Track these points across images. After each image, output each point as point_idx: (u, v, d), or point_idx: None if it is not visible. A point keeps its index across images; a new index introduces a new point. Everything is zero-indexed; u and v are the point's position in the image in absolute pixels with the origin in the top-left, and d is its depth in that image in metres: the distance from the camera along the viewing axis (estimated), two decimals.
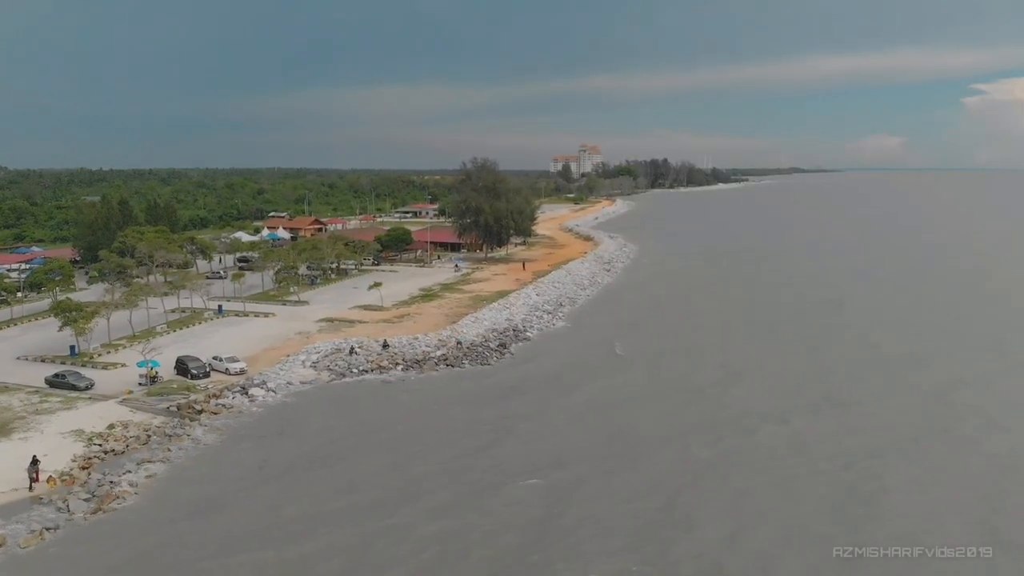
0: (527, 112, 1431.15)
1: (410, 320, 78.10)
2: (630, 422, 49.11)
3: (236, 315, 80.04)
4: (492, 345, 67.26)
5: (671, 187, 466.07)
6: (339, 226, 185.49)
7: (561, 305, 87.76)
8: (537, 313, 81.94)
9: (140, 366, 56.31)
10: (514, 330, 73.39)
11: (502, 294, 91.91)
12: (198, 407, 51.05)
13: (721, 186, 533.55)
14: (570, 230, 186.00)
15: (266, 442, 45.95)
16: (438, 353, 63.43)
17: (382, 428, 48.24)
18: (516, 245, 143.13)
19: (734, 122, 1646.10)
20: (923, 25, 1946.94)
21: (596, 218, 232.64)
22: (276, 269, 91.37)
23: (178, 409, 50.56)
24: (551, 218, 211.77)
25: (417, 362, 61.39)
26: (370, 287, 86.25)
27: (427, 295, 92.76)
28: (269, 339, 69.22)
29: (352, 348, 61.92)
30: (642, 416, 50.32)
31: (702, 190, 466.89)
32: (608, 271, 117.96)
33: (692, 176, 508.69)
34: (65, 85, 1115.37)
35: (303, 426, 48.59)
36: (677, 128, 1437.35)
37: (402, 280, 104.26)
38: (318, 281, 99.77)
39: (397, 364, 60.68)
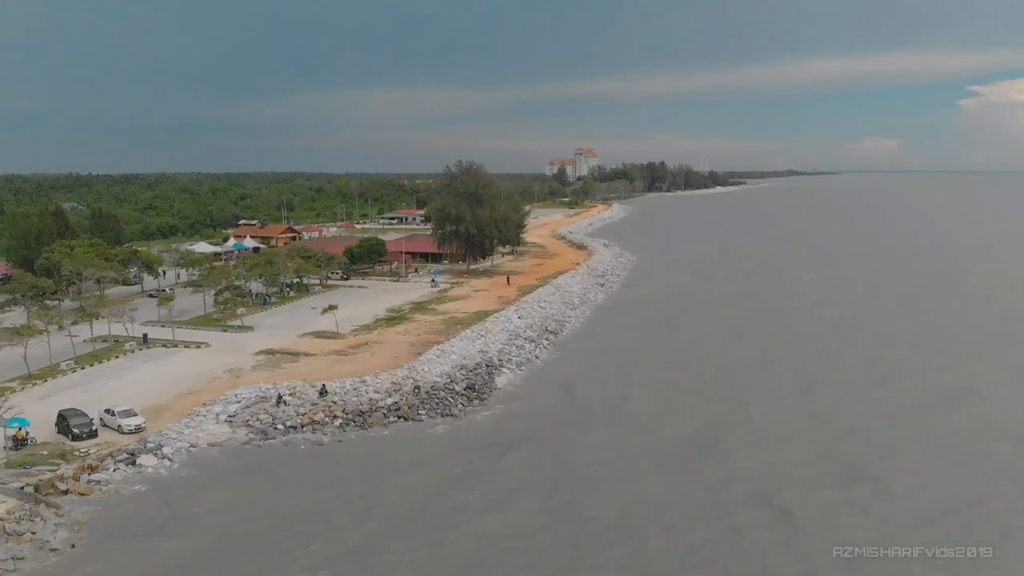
0: (524, 115, 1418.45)
1: (367, 351, 66.28)
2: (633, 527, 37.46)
3: (164, 345, 68.16)
4: (458, 388, 55.39)
5: (668, 190, 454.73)
6: (316, 234, 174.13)
7: (547, 330, 75.99)
8: (517, 342, 70.11)
9: (2, 427, 44.45)
10: (488, 365, 61.52)
11: (480, 316, 79.99)
12: (63, 486, 39.25)
13: (719, 189, 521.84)
14: (563, 237, 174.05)
15: (136, 544, 34.07)
16: (389, 401, 51.49)
17: (295, 521, 36.34)
18: (503, 255, 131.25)
19: (731, 125, 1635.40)
20: (918, 28, 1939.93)
21: (591, 224, 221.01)
22: (217, 289, 79.18)
23: (35, 490, 38.71)
24: (544, 224, 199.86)
25: (361, 414, 49.41)
26: (324, 311, 74.25)
27: (394, 318, 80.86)
28: (190, 379, 57.20)
29: (280, 397, 49.91)
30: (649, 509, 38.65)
31: (700, 193, 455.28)
32: (602, 286, 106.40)
33: (689, 179, 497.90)
34: (61, 89, 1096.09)
35: (194, 517, 36.68)
36: (674, 131, 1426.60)
37: (370, 298, 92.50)
38: (271, 301, 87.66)
39: (335, 417, 48.71)
